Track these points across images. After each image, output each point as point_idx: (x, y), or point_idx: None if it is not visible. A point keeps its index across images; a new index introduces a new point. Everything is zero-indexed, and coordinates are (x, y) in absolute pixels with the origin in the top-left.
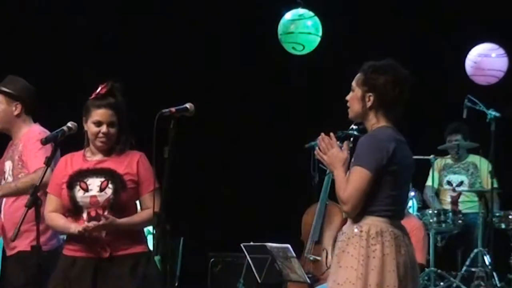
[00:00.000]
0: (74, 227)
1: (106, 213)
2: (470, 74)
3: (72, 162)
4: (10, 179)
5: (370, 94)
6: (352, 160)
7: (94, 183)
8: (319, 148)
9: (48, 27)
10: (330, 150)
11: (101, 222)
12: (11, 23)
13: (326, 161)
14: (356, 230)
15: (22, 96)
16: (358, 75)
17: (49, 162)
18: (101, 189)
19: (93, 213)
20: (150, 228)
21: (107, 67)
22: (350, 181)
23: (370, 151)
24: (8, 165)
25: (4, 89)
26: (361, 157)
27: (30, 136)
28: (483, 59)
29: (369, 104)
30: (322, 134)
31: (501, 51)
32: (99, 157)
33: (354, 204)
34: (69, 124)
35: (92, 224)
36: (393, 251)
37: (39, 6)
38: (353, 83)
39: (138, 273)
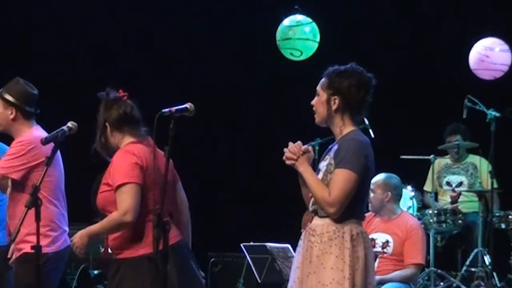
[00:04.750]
0: None
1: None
2: (475, 68)
3: None
4: None
5: (336, 97)
6: (333, 162)
7: None
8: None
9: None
10: (300, 157)
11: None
12: None
13: (296, 164)
14: (338, 232)
15: (16, 103)
16: (323, 79)
17: (49, 162)
18: None
19: None
20: None
21: (108, 67)
22: (337, 184)
23: (355, 155)
24: None
25: (1, 94)
26: (347, 160)
27: (16, 140)
28: (490, 52)
29: (334, 107)
30: (290, 143)
31: (505, 46)
32: None
33: (341, 206)
34: (69, 124)
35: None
36: (370, 251)
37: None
38: (318, 88)
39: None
